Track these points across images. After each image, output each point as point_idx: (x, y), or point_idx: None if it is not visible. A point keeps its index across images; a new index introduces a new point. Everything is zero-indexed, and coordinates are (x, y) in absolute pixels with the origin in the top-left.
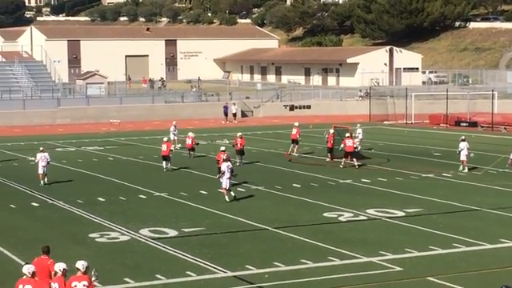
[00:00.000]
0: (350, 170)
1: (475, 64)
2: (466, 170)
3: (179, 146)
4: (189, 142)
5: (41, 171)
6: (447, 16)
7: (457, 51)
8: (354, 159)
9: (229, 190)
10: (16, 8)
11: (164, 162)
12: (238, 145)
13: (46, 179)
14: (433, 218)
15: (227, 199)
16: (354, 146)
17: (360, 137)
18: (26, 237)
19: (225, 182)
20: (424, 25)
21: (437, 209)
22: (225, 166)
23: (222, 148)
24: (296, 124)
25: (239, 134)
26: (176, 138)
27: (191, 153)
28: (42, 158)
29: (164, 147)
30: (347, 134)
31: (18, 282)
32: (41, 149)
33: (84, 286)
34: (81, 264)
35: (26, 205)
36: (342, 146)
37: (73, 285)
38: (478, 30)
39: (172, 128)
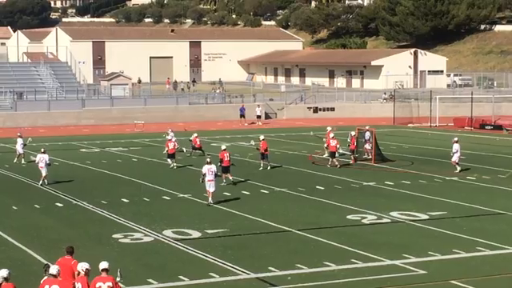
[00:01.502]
0: (375, 172)
1: (500, 67)
2: (458, 170)
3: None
4: (198, 142)
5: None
6: (472, 19)
7: (482, 54)
8: (335, 160)
9: (210, 194)
10: (42, 9)
11: (169, 160)
12: (260, 148)
13: (45, 180)
14: (456, 221)
15: (210, 200)
16: (337, 146)
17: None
18: (50, 237)
19: (206, 184)
20: (449, 27)
21: (461, 212)
22: (206, 169)
23: (223, 147)
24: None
25: (262, 136)
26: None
27: (197, 151)
28: (40, 159)
29: (171, 145)
30: (331, 135)
31: (44, 281)
32: (42, 150)
33: (108, 286)
34: (105, 264)
35: (50, 205)
36: (326, 145)
37: (97, 285)
38: (504, 33)
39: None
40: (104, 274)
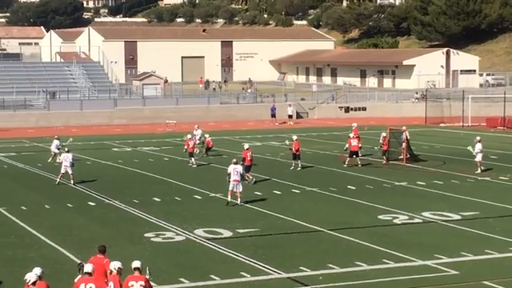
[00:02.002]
0: (406, 172)
1: None
2: (480, 171)
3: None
4: (210, 142)
5: (63, 171)
6: (505, 18)
7: None
8: (358, 159)
9: (238, 194)
10: (74, 9)
11: (192, 159)
12: (293, 149)
13: (71, 181)
14: (489, 221)
15: (228, 199)
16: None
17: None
18: (82, 236)
19: (233, 185)
20: (481, 27)
21: (493, 212)
22: (231, 169)
23: (246, 146)
24: (354, 125)
25: (294, 137)
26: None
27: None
28: (65, 158)
29: (191, 144)
30: (351, 135)
31: (78, 280)
32: (66, 149)
33: (141, 285)
34: (138, 263)
35: (82, 204)
36: (347, 145)
37: (130, 284)
38: None
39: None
40: (136, 273)
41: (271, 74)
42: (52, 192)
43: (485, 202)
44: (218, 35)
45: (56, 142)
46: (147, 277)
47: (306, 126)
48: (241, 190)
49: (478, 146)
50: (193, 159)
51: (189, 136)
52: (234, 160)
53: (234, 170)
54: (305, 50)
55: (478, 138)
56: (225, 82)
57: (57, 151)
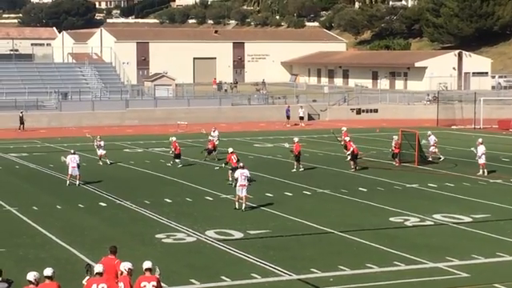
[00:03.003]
0: (418, 174)
1: None
2: (486, 173)
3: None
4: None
5: (70, 172)
6: None
7: None
8: (352, 162)
9: (243, 198)
10: (86, 10)
11: (177, 160)
12: (294, 150)
13: (77, 181)
14: (500, 224)
15: (236, 206)
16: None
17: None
18: (93, 236)
19: (239, 190)
20: (494, 29)
21: (505, 215)
22: (239, 173)
23: (230, 150)
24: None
25: (296, 139)
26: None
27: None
28: (71, 160)
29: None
30: (347, 138)
31: (89, 281)
32: (72, 151)
33: (153, 286)
34: (149, 264)
35: (93, 205)
36: (351, 149)
37: (142, 285)
38: None
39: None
40: (148, 274)
41: (283, 76)
42: (63, 192)
43: (496, 204)
44: (229, 36)
45: (99, 144)
46: (157, 275)
47: (318, 127)
48: (245, 194)
49: (481, 149)
50: (177, 160)
51: (174, 138)
52: (241, 164)
53: (242, 175)
54: (317, 51)
55: (480, 140)
56: (235, 83)
57: (102, 151)
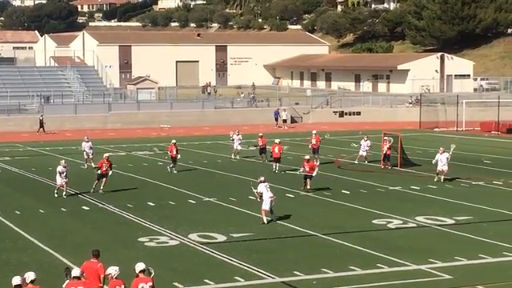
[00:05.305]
0: (401, 176)
1: None
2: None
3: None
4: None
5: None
6: (500, 23)
7: (509, 58)
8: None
9: (270, 212)
10: (69, 14)
11: (171, 165)
12: (276, 151)
13: (63, 193)
14: (483, 226)
15: (265, 221)
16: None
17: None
18: (76, 240)
19: (265, 203)
20: (476, 31)
21: (487, 217)
22: (263, 187)
23: (173, 141)
24: (314, 132)
25: (277, 140)
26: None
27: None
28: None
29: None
30: (314, 141)
31: (67, 285)
32: (61, 162)
33: (150, 286)
34: (143, 266)
35: (76, 208)
36: (302, 169)
37: (140, 286)
38: None
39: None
40: (142, 275)
41: (266, 79)
42: (46, 196)
43: (478, 206)
44: (212, 39)
45: (86, 144)
46: (151, 276)
47: (301, 130)
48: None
49: (446, 155)
50: (171, 165)
51: (174, 141)
52: (262, 178)
53: (266, 188)
54: (299, 54)
55: (442, 149)
56: (214, 88)
57: (90, 154)
